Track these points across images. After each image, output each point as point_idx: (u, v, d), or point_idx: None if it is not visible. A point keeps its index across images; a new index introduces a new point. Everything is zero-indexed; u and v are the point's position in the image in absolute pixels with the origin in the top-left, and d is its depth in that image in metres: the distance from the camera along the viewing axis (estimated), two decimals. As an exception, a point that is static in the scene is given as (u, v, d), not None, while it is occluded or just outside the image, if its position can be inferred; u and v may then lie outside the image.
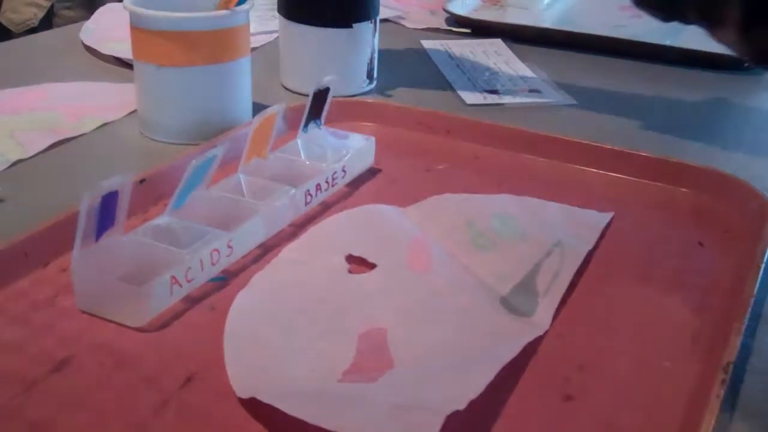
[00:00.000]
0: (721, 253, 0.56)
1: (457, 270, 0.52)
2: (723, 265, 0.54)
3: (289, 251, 0.53)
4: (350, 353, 0.44)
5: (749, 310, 0.45)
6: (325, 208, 0.59)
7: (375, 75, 0.84)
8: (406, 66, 0.92)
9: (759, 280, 0.49)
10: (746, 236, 0.56)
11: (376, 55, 0.83)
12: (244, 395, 0.39)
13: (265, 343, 0.44)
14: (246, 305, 0.47)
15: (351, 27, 0.79)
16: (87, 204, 0.44)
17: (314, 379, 0.42)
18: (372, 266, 0.52)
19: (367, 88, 0.83)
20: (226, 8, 0.68)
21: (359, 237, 0.54)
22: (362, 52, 0.81)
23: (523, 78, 0.89)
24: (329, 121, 0.66)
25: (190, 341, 0.45)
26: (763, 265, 0.50)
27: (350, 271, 0.51)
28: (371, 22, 0.81)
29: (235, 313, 0.46)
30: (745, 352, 0.45)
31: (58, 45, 0.97)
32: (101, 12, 1.04)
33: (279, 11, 0.82)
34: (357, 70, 0.82)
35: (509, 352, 0.42)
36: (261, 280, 0.50)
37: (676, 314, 0.49)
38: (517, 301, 0.49)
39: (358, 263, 0.52)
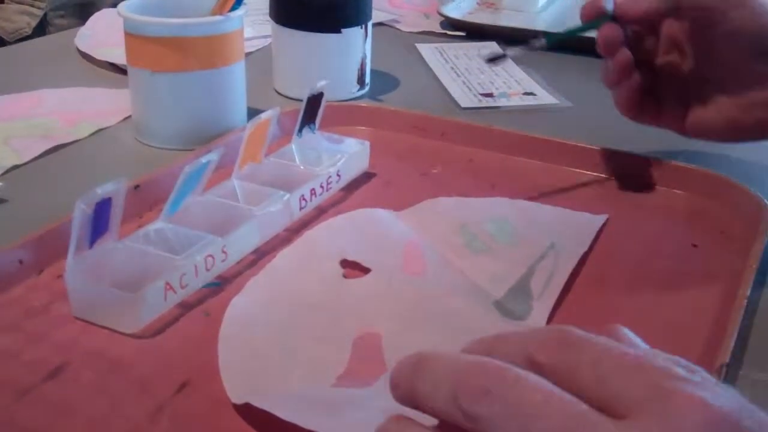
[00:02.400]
0: (715, 255, 0.56)
1: (451, 273, 0.52)
2: (718, 267, 0.54)
3: (283, 257, 0.53)
4: (345, 358, 0.44)
5: (743, 311, 0.46)
6: (320, 213, 0.59)
7: (366, 81, 0.84)
8: (401, 69, 0.92)
9: (753, 281, 0.49)
10: (741, 238, 0.56)
11: (368, 61, 0.83)
12: (239, 401, 0.39)
13: (259, 349, 0.44)
14: (241, 311, 0.47)
15: (340, 32, 0.79)
16: (81, 211, 0.44)
17: (309, 383, 0.42)
18: (366, 270, 0.52)
19: (358, 94, 0.83)
20: (220, 14, 0.68)
21: (354, 241, 0.54)
22: (352, 58, 0.81)
23: (518, 80, 0.89)
24: (323, 126, 0.66)
25: (185, 347, 0.45)
26: (757, 267, 0.50)
27: (345, 276, 0.51)
28: (362, 28, 0.80)
29: (229, 318, 0.46)
30: (740, 353, 0.45)
31: (52, 51, 0.97)
32: (96, 18, 1.04)
33: (270, 16, 0.82)
34: (347, 75, 0.82)
35: None
36: (256, 285, 0.50)
37: (670, 316, 0.49)
38: (511, 304, 0.49)
39: (353, 268, 0.52)
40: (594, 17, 0.58)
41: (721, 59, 0.57)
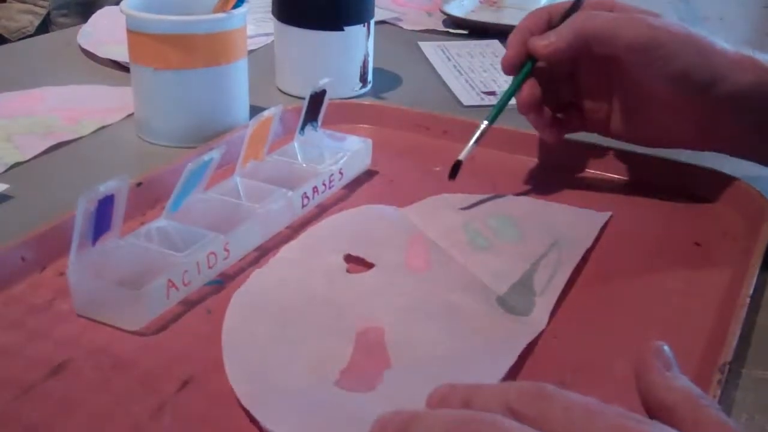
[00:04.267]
0: (718, 254, 0.55)
1: (454, 269, 0.52)
2: (720, 266, 0.54)
3: (287, 251, 0.53)
4: (348, 352, 0.44)
5: (746, 310, 0.45)
6: (322, 211, 0.59)
7: (369, 78, 0.84)
8: (403, 67, 0.92)
9: (755, 280, 0.49)
10: (743, 236, 0.56)
11: (370, 59, 0.83)
12: (242, 394, 0.40)
13: (263, 339, 0.44)
14: (245, 302, 0.47)
15: (342, 30, 0.79)
16: (83, 208, 0.44)
17: (312, 377, 0.42)
18: (370, 266, 0.52)
19: (360, 92, 0.83)
20: (223, 11, 0.68)
21: (357, 236, 0.54)
22: (354, 56, 0.81)
23: (520, 79, 0.89)
24: (326, 124, 0.66)
25: (187, 344, 0.45)
26: (759, 266, 0.50)
27: (348, 271, 0.51)
28: (364, 26, 0.80)
29: (233, 309, 0.47)
30: (742, 352, 0.45)
31: (55, 49, 0.97)
32: (98, 15, 1.04)
33: (273, 14, 0.82)
34: (349, 73, 0.82)
35: (510, 356, 0.43)
36: (260, 277, 0.50)
37: (672, 315, 0.49)
38: (514, 300, 0.49)
39: (357, 263, 0.52)
40: (516, 69, 0.60)
41: (636, 92, 0.59)
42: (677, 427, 0.30)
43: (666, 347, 0.34)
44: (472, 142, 0.58)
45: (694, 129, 0.59)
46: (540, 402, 0.30)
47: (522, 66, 0.60)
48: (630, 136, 0.62)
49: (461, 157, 0.58)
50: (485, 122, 0.59)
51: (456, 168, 0.58)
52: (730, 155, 0.61)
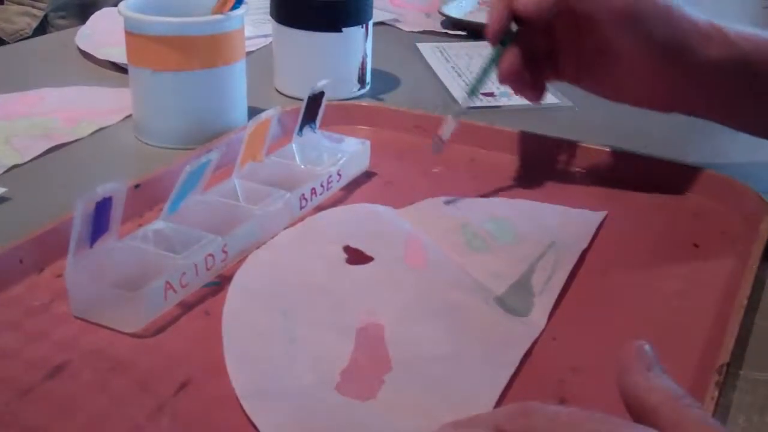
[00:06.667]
0: (716, 255, 0.55)
1: (453, 269, 0.52)
2: (718, 266, 0.54)
3: (285, 236, 0.54)
4: (348, 349, 0.44)
5: (743, 311, 0.45)
6: (320, 212, 0.59)
7: (367, 80, 0.84)
8: (402, 69, 0.92)
9: (753, 281, 0.49)
10: (742, 237, 0.56)
11: (368, 60, 0.83)
12: (244, 402, 0.40)
13: (264, 333, 0.44)
14: (245, 288, 0.48)
15: (341, 31, 0.79)
16: (81, 210, 0.44)
17: (313, 377, 0.42)
18: (369, 259, 0.52)
19: (358, 93, 0.83)
20: (221, 13, 0.68)
21: (357, 230, 0.55)
22: (353, 57, 0.81)
23: (519, 80, 0.89)
24: (324, 125, 0.66)
25: (185, 346, 0.45)
26: (758, 267, 0.50)
27: (348, 262, 0.51)
28: (362, 27, 0.80)
29: (233, 294, 0.47)
30: (740, 353, 0.45)
31: (53, 50, 0.97)
32: (97, 17, 1.04)
33: (271, 15, 0.82)
34: (348, 74, 0.82)
35: (511, 363, 0.43)
36: (258, 260, 0.50)
37: (670, 315, 0.49)
38: (512, 300, 0.49)
39: (355, 255, 0.52)
40: (501, 38, 0.60)
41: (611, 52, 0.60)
42: (660, 429, 0.30)
43: (647, 347, 0.34)
44: (450, 119, 0.61)
45: (660, 93, 0.61)
46: (525, 417, 0.31)
47: (505, 33, 0.60)
48: (596, 89, 0.64)
49: (443, 135, 0.60)
50: (466, 99, 0.62)
51: (440, 146, 0.60)
52: (692, 116, 0.63)
